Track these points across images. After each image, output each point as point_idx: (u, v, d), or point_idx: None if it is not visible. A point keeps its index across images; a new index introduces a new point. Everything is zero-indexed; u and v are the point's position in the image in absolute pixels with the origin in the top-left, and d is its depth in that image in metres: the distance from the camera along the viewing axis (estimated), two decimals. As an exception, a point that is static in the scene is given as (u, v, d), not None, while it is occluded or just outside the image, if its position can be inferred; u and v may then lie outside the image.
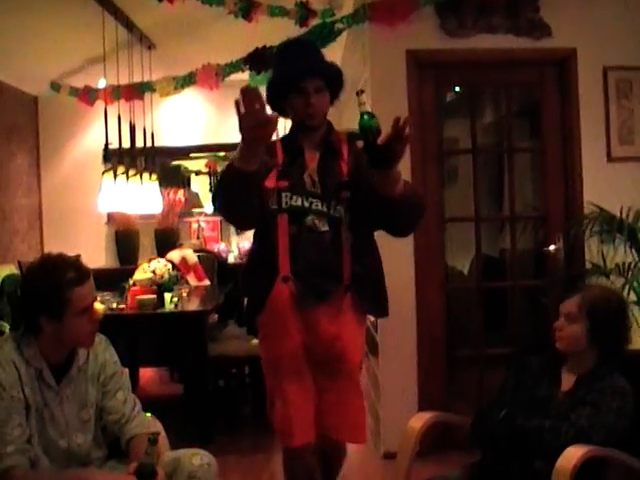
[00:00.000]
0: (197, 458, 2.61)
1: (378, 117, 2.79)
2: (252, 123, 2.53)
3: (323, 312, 3.06)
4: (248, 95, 2.50)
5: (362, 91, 2.74)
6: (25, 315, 2.69)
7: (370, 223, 3.14)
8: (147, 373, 7.73)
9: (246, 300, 3.37)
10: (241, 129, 2.58)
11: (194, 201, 9.11)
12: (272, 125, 2.56)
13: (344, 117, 6.80)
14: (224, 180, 2.86)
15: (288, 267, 3.03)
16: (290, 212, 3.04)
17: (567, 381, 2.76)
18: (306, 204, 3.04)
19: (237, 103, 2.52)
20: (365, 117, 2.68)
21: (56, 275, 2.62)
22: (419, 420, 2.89)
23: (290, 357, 3.09)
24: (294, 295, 3.04)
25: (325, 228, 3.05)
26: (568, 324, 2.80)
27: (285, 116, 3.15)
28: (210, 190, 9.33)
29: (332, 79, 3.12)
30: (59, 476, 2.50)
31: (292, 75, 3.04)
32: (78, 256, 2.76)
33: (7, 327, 5.13)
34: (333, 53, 6.19)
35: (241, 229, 3.43)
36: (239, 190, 2.83)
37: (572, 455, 2.39)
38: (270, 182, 3.00)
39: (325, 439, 3.21)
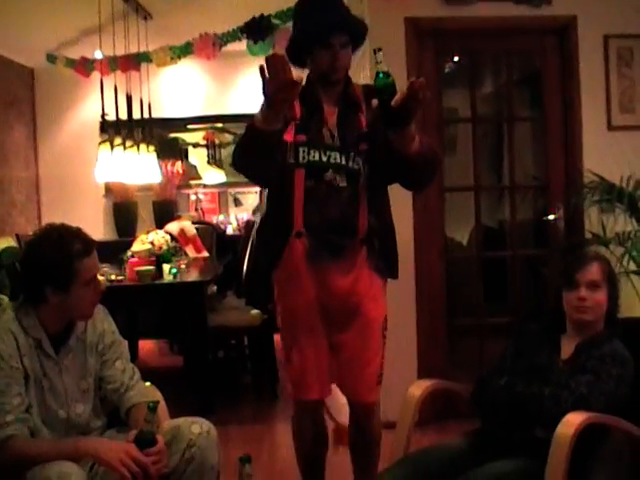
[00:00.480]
0: (196, 426, 2.61)
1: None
2: (278, 86, 2.52)
3: (337, 267, 3.05)
4: (274, 61, 2.50)
5: (379, 49, 2.66)
6: (29, 286, 2.67)
7: (387, 177, 3.13)
8: (147, 345, 7.75)
9: (257, 257, 3.44)
10: (265, 93, 2.58)
11: (192, 173, 9.07)
12: (297, 87, 2.55)
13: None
14: (246, 141, 2.84)
15: (302, 222, 3.02)
16: (308, 167, 3.02)
17: (567, 349, 2.75)
18: (324, 158, 3.02)
19: (262, 69, 2.51)
20: (381, 76, 2.64)
21: (64, 246, 2.60)
22: (419, 388, 2.88)
23: (305, 313, 3.09)
24: (308, 251, 3.03)
25: (344, 184, 3.03)
26: (592, 292, 2.76)
27: (302, 67, 3.13)
28: (208, 162, 9.31)
29: (358, 35, 3.09)
30: (59, 444, 2.49)
31: (320, 30, 3.00)
32: (79, 228, 2.75)
33: (5, 299, 5.12)
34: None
35: (263, 185, 3.40)
36: (262, 149, 2.82)
37: (572, 422, 2.38)
38: (288, 136, 2.98)
39: (354, 408, 3.28)
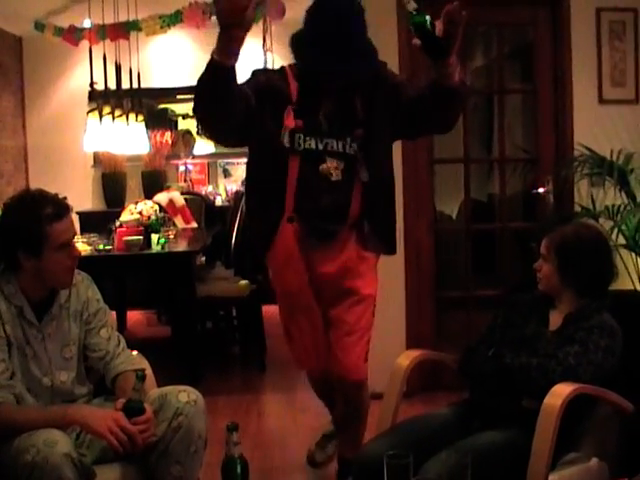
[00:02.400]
0: (184, 395, 2.60)
1: None
2: (229, 6, 2.42)
3: (324, 253, 3.09)
4: None
5: None
6: (4, 251, 2.66)
7: (415, 130, 3.24)
8: (135, 316, 7.75)
9: (249, 237, 3.49)
10: (217, 14, 2.47)
11: (184, 142, 9.00)
12: (250, 11, 2.43)
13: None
14: (203, 77, 2.71)
15: (293, 207, 3.03)
16: (304, 154, 3.01)
17: (555, 320, 2.75)
18: (320, 146, 3.01)
19: None
20: (414, 14, 2.54)
21: (34, 210, 2.58)
22: (407, 358, 2.87)
23: (299, 293, 3.15)
24: (299, 234, 3.05)
25: (338, 177, 3.01)
26: (544, 263, 2.80)
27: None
28: (197, 133, 9.25)
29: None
30: (46, 411, 2.48)
31: (319, 76, 2.99)
32: (54, 194, 2.72)
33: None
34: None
35: (222, 140, 3.19)
36: (219, 86, 2.71)
37: (560, 392, 2.38)
38: (288, 120, 2.99)
39: (342, 385, 3.30)
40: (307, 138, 3.00)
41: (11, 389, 2.50)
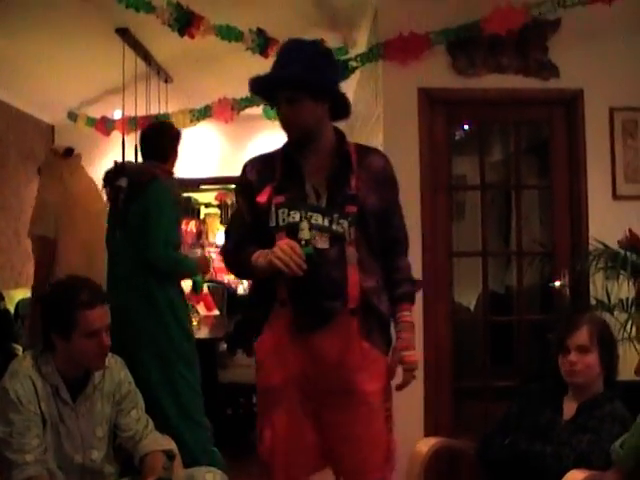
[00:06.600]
0: (210, 476, 2.69)
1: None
2: (288, 266, 2.60)
3: (325, 336, 2.76)
4: (287, 250, 2.61)
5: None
6: (42, 332, 2.78)
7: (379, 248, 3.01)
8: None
9: (242, 326, 3.38)
10: (274, 262, 2.63)
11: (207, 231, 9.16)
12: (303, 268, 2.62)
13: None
14: (238, 267, 2.96)
15: (286, 289, 2.77)
16: (288, 229, 2.77)
17: (569, 409, 2.82)
18: (304, 219, 2.78)
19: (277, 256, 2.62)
20: (303, 244, 2.70)
21: (69, 294, 2.70)
22: (425, 445, 2.94)
23: (284, 389, 2.82)
24: (293, 320, 2.78)
25: (325, 245, 2.76)
26: (582, 356, 2.84)
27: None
28: (220, 222, 9.43)
29: (317, 89, 2.80)
30: None
31: (262, 87, 2.87)
32: (92, 281, 2.83)
33: (20, 350, 5.20)
34: (346, 89, 6.33)
35: None
36: (251, 276, 2.97)
37: (573, 478, 2.45)
38: (262, 197, 2.82)
39: None
40: (291, 212, 2.78)
41: (45, 464, 2.59)
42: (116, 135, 7.29)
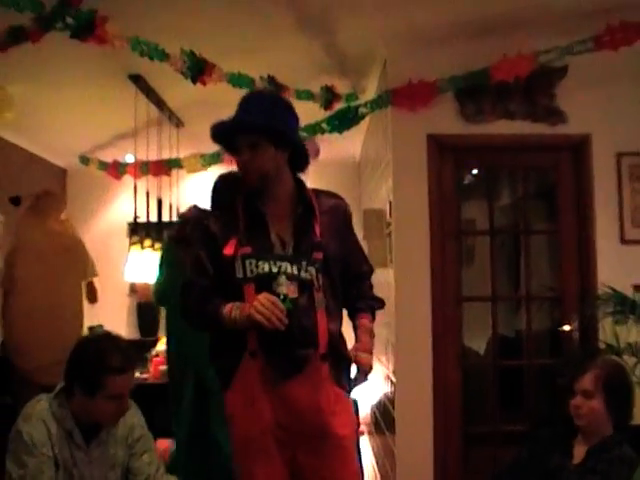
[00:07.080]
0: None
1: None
2: (268, 321, 2.61)
3: (298, 384, 2.78)
4: (266, 304, 2.62)
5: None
6: (65, 376, 2.81)
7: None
8: (163, 444, 7.73)
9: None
10: (255, 316, 2.63)
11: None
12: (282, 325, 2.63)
13: (365, 195, 6.98)
14: (201, 319, 2.88)
15: (256, 340, 2.76)
16: (257, 280, 2.79)
17: (578, 453, 2.83)
18: (274, 269, 2.79)
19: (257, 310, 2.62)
20: (281, 298, 2.70)
21: (102, 356, 2.73)
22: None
23: (259, 441, 2.79)
24: (264, 370, 2.77)
25: (295, 294, 2.78)
26: (586, 401, 2.87)
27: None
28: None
29: (271, 134, 2.80)
30: None
31: (225, 131, 2.86)
32: (128, 344, 2.87)
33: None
34: (355, 136, 6.40)
35: None
36: (213, 329, 2.91)
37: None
38: (229, 249, 2.81)
39: None
40: (259, 263, 2.79)
41: (59, 507, 2.61)
42: (127, 179, 7.36)
